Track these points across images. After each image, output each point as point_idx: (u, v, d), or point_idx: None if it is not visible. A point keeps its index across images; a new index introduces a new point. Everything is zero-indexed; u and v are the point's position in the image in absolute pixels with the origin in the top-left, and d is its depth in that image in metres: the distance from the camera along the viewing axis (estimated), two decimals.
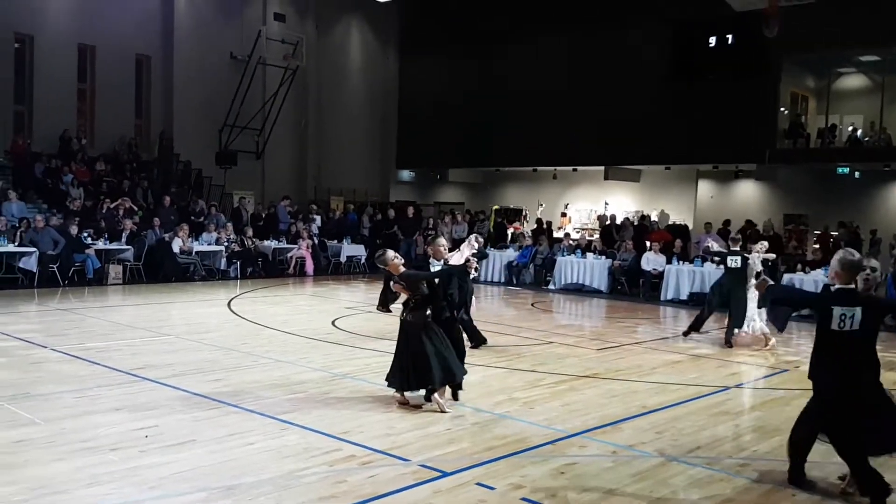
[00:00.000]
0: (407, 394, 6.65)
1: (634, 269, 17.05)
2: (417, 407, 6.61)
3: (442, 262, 7.14)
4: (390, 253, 6.69)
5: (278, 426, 5.99)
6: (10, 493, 4.53)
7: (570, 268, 17.74)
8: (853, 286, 4.84)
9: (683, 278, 16.06)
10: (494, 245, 20.41)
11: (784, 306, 6.14)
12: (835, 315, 4.73)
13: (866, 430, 4.81)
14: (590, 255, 17.90)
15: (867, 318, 4.76)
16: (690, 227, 21.57)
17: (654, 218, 22.05)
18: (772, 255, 10.80)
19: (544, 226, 21.81)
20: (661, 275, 16.45)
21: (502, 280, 18.86)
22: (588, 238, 20.29)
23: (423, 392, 6.62)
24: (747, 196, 22.87)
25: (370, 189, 26.90)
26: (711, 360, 9.72)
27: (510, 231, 22.61)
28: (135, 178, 19.61)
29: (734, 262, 10.51)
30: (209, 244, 17.55)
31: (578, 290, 17.38)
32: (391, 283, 6.80)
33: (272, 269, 18.51)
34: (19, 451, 5.25)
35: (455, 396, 6.84)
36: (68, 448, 5.31)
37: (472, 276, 8.08)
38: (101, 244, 16.00)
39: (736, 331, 10.40)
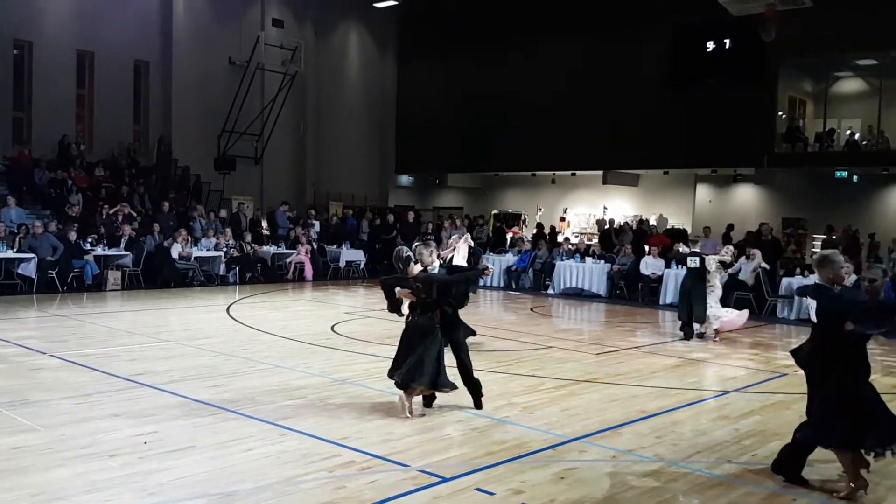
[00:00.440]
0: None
1: (633, 274, 17.07)
2: (423, 414, 6.60)
3: (439, 264, 7.10)
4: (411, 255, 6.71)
5: (277, 432, 5.98)
6: (9, 499, 4.52)
7: (568, 272, 17.76)
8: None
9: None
10: (493, 250, 20.42)
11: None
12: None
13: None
14: (588, 259, 17.91)
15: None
16: (689, 231, 21.59)
17: (652, 222, 22.09)
18: (728, 258, 11.63)
19: (546, 230, 21.83)
20: (659, 279, 16.47)
21: (501, 285, 18.87)
22: (587, 242, 20.30)
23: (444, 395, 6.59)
24: (745, 200, 22.89)
25: (369, 194, 26.92)
26: (710, 364, 9.72)
27: (509, 235, 22.63)
28: (133, 184, 19.62)
29: (693, 262, 11.46)
30: (208, 250, 17.55)
31: (577, 295, 17.38)
32: (398, 289, 6.79)
33: (271, 275, 18.51)
34: (18, 457, 5.24)
35: (477, 405, 6.82)
36: (67, 454, 5.31)
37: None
38: (99, 250, 16.00)
39: (698, 326, 11.30)
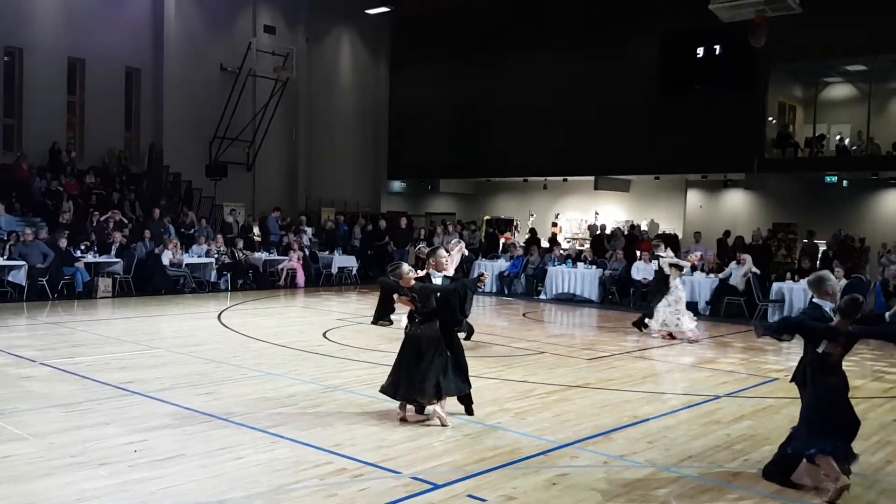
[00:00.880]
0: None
1: (625, 279, 17.10)
2: (416, 421, 6.59)
3: (443, 273, 7.09)
4: (405, 266, 6.69)
5: (269, 440, 5.96)
6: None
7: (561, 277, 17.78)
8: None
9: None
10: (486, 255, 20.43)
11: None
12: None
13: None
14: (580, 264, 17.95)
15: None
16: (680, 236, 21.67)
17: (643, 227, 22.15)
18: (682, 263, 12.44)
19: (540, 235, 21.86)
20: (651, 284, 16.48)
21: (494, 290, 18.87)
22: (579, 248, 20.36)
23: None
24: (736, 205, 23.00)
25: (361, 200, 26.91)
26: (702, 369, 9.75)
27: (502, 241, 22.65)
28: (124, 191, 19.55)
29: (655, 265, 12.89)
30: (199, 256, 17.50)
31: (570, 300, 17.41)
32: (395, 296, 6.76)
33: (263, 281, 18.47)
34: (7, 466, 5.20)
35: (469, 411, 6.81)
36: (57, 463, 5.27)
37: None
38: (90, 257, 15.93)
39: (647, 320, 12.22)
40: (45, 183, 18.18)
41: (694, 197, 23.68)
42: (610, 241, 19.93)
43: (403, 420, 6.54)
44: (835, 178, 20.64)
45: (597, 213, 24.65)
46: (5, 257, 14.73)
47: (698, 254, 13.16)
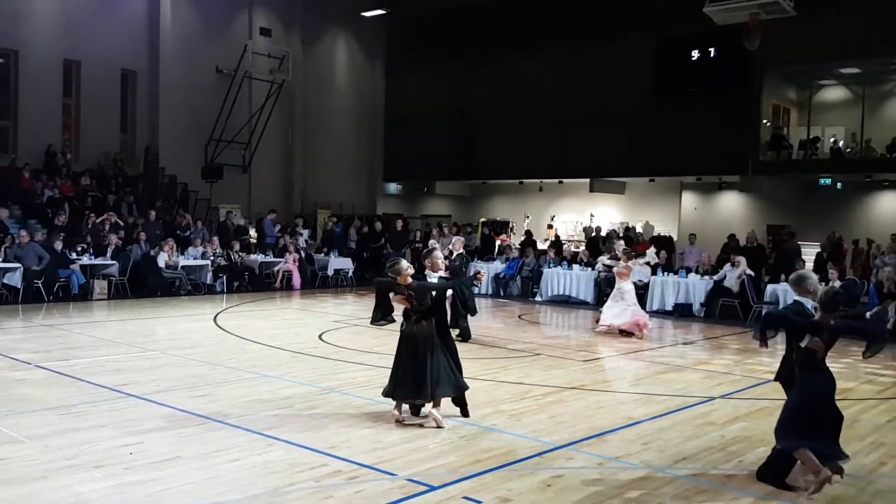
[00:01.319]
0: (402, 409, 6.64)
1: None
2: (412, 424, 6.60)
3: (439, 273, 7.10)
4: (404, 263, 6.69)
5: (264, 442, 5.97)
6: None
7: (556, 279, 17.81)
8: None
9: (668, 289, 16.17)
10: (482, 257, 20.44)
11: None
12: None
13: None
14: (576, 266, 17.97)
15: None
16: (675, 238, 21.72)
17: (638, 229, 22.19)
18: (611, 263, 12.92)
19: (541, 238, 21.91)
20: (646, 286, 16.52)
21: (489, 292, 18.89)
22: (574, 250, 20.38)
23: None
24: (731, 207, 23.06)
25: (357, 202, 26.92)
26: (696, 370, 9.77)
27: (497, 243, 22.67)
28: (120, 193, 19.52)
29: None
30: (195, 258, 17.48)
31: (565, 302, 17.43)
32: (391, 294, 6.77)
33: (259, 283, 18.45)
34: (2, 469, 5.20)
35: (464, 413, 6.82)
36: (52, 466, 5.27)
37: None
38: (85, 259, 15.90)
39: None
40: (45, 188, 18.08)
41: (689, 199, 23.74)
42: (605, 243, 19.94)
43: (399, 422, 6.55)
44: (829, 181, 20.71)
45: (592, 216, 24.71)
46: (1, 259, 14.69)
47: (651, 252, 13.83)
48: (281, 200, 24.46)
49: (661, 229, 22.75)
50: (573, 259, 18.67)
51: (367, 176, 27.79)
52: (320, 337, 11.43)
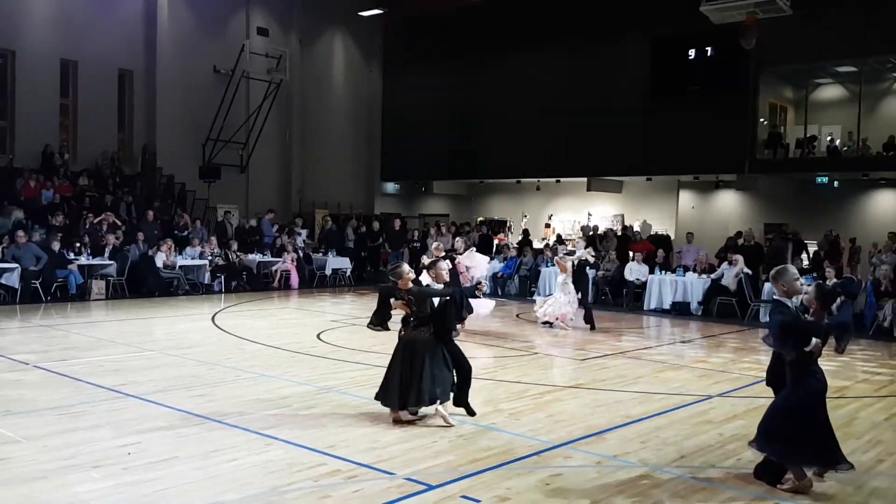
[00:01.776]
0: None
1: (618, 279, 17.16)
2: (410, 422, 6.61)
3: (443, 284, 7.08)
4: (405, 267, 6.70)
5: (263, 441, 5.97)
6: None
7: (553, 278, 17.72)
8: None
9: (666, 288, 16.20)
10: None
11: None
12: None
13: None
14: None
15: None
16: (672, 237, 21.75)
17: (636, 228, 22.21)
18: (559, 257, 13.72)
19: (542, 237, 21.93)
20: (643, 284, 16.57)
21: (487, 291, 18.87)
22: (570, 248, 20.37)
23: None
24: (728, 206, 23.08)
25: (355, 201, 26.91)
26: (694, 368, 9.79)
27: (495, 242, 22.67)
28: (118, 193, 19.50)
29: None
30: (193, 258, 17.47)
31: None
32: (392, 299, 6.77)
33: (257, 283, 18.45)
34: (0, 469, 5.19)
35: (469, 412, 6.81)
36: (50, 466, 5.27)
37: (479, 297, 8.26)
38: (83, 259, 15.89)
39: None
40: (43, 188, 18.03)
41: (686, 198, 23.76)
42: (602, 241, 19.98)
43: (397, 421, 6.56)
44: (826, 179, 20.75)
45: (590, 214, 24.72)
46: None
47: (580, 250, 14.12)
48: (279, 200, 24.45)
49: (658, 228, 22.77)
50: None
51: (365, 175, 27.78)
52: (318, 336, 11.43)
